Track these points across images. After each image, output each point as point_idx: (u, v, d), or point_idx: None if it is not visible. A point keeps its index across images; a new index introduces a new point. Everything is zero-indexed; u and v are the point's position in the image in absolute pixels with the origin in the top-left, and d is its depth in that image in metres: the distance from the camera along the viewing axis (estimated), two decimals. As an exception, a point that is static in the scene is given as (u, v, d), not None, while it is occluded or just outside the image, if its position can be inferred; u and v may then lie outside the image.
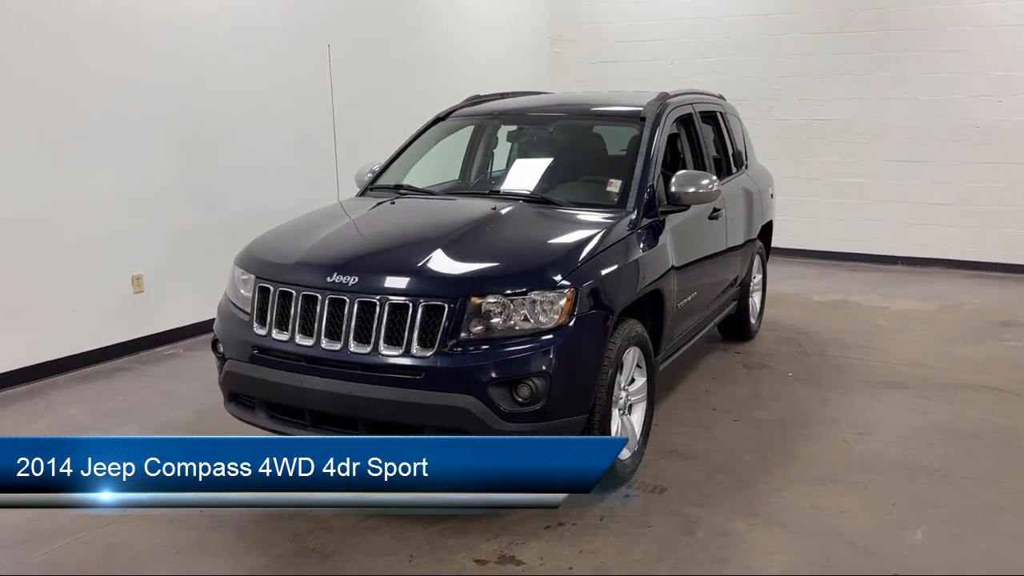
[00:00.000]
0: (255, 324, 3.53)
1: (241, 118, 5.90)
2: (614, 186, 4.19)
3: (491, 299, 3.22)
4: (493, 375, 3.14)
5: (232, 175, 5.93)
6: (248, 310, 3.59)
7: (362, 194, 4.64)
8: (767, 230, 6.35)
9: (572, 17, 10.49)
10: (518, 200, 4.14)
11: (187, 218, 5.69)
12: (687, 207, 4.29)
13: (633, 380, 3.91)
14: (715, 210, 4.90)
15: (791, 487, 3.79)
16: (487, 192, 4.36)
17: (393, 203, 4.27)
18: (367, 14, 6.85)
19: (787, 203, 9.43)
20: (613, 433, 3.64)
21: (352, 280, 3.32)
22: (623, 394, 3.78)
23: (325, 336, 3.33)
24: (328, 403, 3.31)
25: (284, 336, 3.42)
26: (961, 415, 4.68)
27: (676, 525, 3.45)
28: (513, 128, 4.97)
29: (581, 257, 3.44)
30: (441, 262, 3.37)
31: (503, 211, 3.93)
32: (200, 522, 3.47)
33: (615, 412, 3.73)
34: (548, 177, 4.47)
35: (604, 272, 3.49)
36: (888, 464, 4.04)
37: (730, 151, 5.71)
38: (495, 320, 3.22)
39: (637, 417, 3.95)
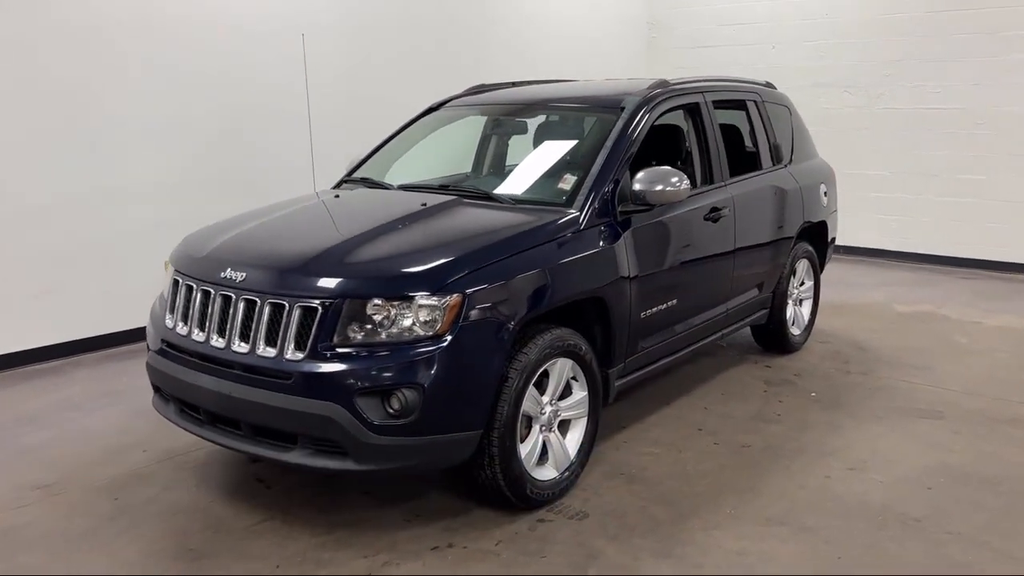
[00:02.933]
0: (166, 316, 3.53)
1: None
2: (567, 183, 3.88)
3: (369, 302, 3.03)
4: (360, 384, 2.96)
5: (263, 169, 6.03)
6: (165, 302, 3.60)
7: (337, 186, 4.56)
8: (816, 232, 5.74)
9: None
10: (457, 195, 3.92)
11: (222, 208, 5.87)
12: (651, 207, 3.90)
13: (569, 394, 3.61)
14: (714, 209, 4.45)
15: (728, 526, 3.37)
16: (436, 187, 4.12)
17: (337, 197, 4.15)
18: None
19: (895, 202, 8.59)
20: (526, 452, 3.37)
21: (240, 276, 3.23)
22: (547, 409, 3.48)
23: (215, 333, 3.27)
24: (214, 403, 3.25)
25: (185, 331, 3.40)
26: (990, 456, 4.02)
27: (572, 558, 3.14)
28: (492, 119, 4.71)
29: (477, 260, 3.18)
30: (327, 261, 3.21)
31: (430, 207, 3.72)
32: (105, 510, 3.52)
33: (536, 428, 3.45)
34: (507, 171, 4.20)
35: (506, 277, 3.20)
36: (862, 509, 3.51)
37: (764, 144, 5.17)
38: (373, 325, 3.03)
39: (574, 435, 3.64)
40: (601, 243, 3.67)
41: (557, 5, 8.83)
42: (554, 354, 3.42)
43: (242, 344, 3.18)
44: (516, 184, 4.12)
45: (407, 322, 3.03)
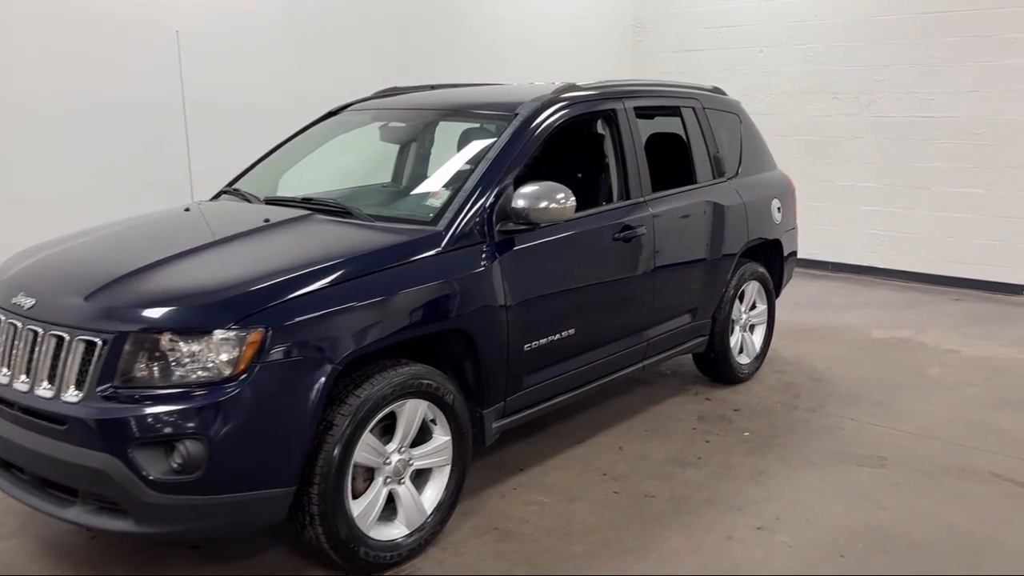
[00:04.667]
0: (-31, 345, 3.15)
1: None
2: (438, 198, 3.45)
3: (156, 337, 2.62)
4: (135, 433, 2.55)
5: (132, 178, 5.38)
6: None
7: (215, 197, 4.16)
8: (770, 252, 5.24)
9: (655, 0, 9.46)
10: (314, 210, 3.50)
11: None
12: (535, 226, 3.45)
13: (427, 440, 3.17)
14: (627, 228, 3.98)
15: (592, 600, 2.91)
16: (299, 201, 3.69)
17: (187, 211, 3.75)
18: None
19: (886, 216, 8.02)
20: (360, 510, 2.93)
21: (29, 303, 2.84)
22: (394, 459, 3.05)
23: (4, 366, 2.88)
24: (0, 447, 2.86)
25: None
26: (924, 516, 3.50)
27: (396, 637, 2.71)
28: (385, 126, 4.28)
29: (290, 288, 2.76)
30: (117, 288, 2.78)
31: (272, 223, 3.30)
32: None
33: (379, 481, 3.01)
34: (391, 183, 3.77)
35: (327, 308, 2.77)
36: (755, 580, 3.03)
37: (702, 155, 4.69)
38: (162, 363, 2.62)
39: (433, 487, 3.21)
40: (468, 267, 3.23)
41: (534, 4, 8.36)
42: (401, 395, 2.98)
43: (25, 381, 2.78)
44: (384, 198, 3.70)
45: (200, 361, 2.61)
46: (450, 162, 3.77)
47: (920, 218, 7.88)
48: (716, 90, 5.18)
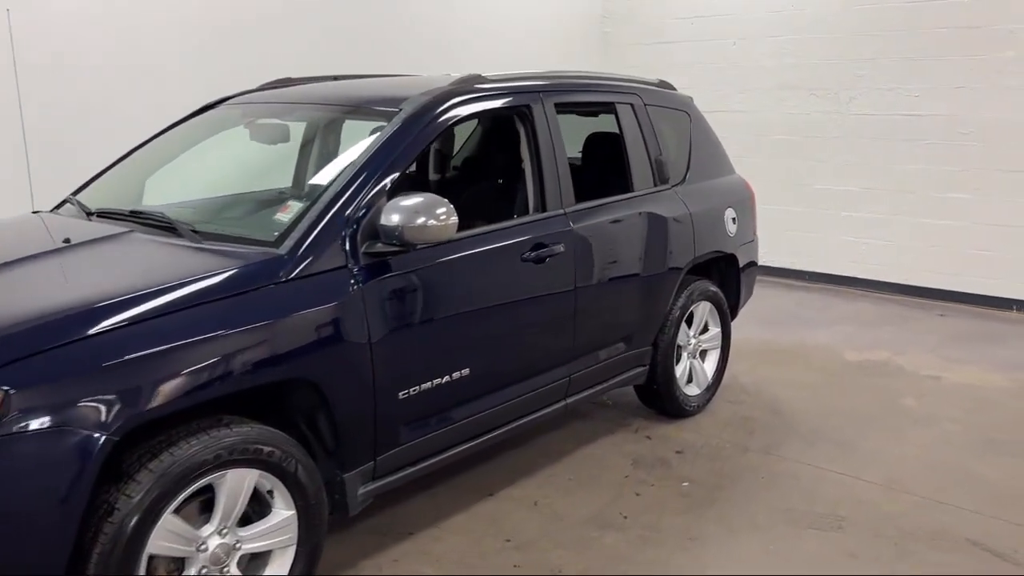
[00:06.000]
0: None
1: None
2: (288, 212, 2.82)
3: None
4: None
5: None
6: None
7: (57, 207, 3.52)
8: (724, 268, 4.63)
9: (624, -12, 8.83)
10: (135, 226, 2.87)
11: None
12: (410, 247, 2.83)
13: (264, 515, 2.55)
14: (540, 246, 3.36)
15: None
16: (126, 213, 3.05)
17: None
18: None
19: (866, 222, 7.39)
20: (163, 608, 2.32)
21: None
22: (212, 544, 2.42)
23: None
24: None
25: None
26: (884, 600, 2.90)
27: None
28: (254, 123, 3.65)
29: (47, 337, 2.13)
30: None
31: (72, 244, 2.68)
32: None
33: (193, 573, 2.40)
34: (227, 193, 3.16)
35: (101, 362, 2.15)
36: None
37: (640, 160, 4.07)
38: None
39: (272, 572, 2.59)
40: (318, 300, 2.61)
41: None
42: (218, 465, 2.36)
43: None
44: (246, 210, 3.07)
45: (-80, 433, 1.99)
46: (316, 167, 3.15)
47: (903, 225, 7.26)
48: (663, 84, 4.57)
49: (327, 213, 2.73)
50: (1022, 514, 3.48)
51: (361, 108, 3.31)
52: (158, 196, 3.61)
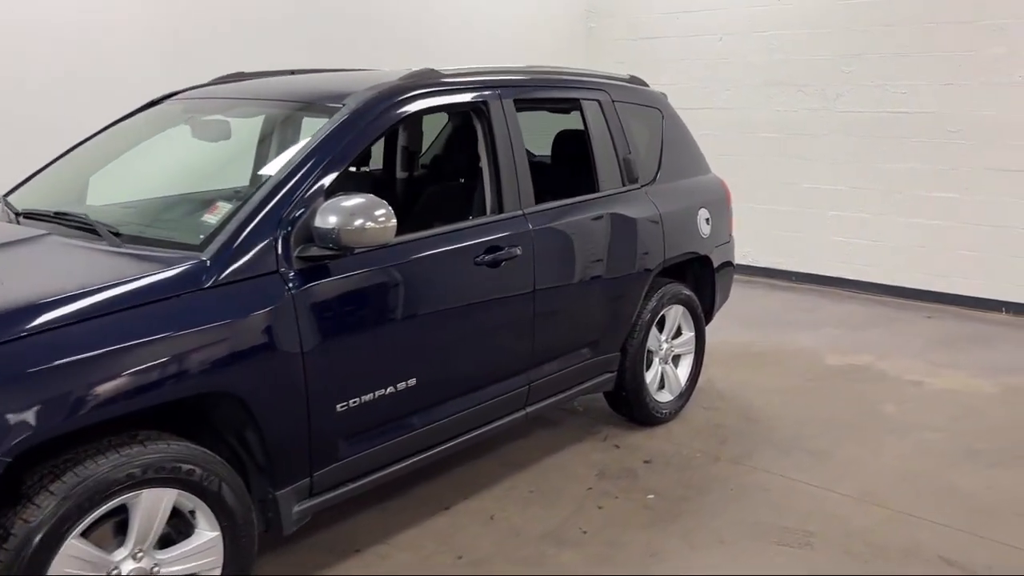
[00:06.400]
0: None
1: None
2: (216, 213, 2.67)
3: None
4: None
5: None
6: None
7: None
8: (698, 270, 4.48)
9: (609, -18, 8.67)
10: (56, 227, 2.72)
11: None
12: (347, 251, 2.67)
13: (184, 538, 2.40)
14: (493, 249, 3.21)
15: None
16: (51, 215, 2.90)
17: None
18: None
19: (853, 222, 7.23)
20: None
21: None
22: (125, 568, 2.26)
23: None
24: None
25: None
26: (849, 624, 2.75)
27: None
28: (195, 119, 3.49)
29: None
30: None
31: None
32: None
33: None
34: (177, 192, 3.00)
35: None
36: None
37: (607, 158, 3.91)
38: None
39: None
40: (244, 308, 2.46)
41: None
42: (131, 485, 2.21)
43: None
44: (165, 212, 2.93)
45: None
46: (250, 167, 3.00)
47: (891, 225, 7.10)
48: (634, 80, 4.41)
49: (257, 214, 2.58)
50: (998, 529, 3.33)
51: (304, 103, 3.16)
52: (102, 195, 3.46)
